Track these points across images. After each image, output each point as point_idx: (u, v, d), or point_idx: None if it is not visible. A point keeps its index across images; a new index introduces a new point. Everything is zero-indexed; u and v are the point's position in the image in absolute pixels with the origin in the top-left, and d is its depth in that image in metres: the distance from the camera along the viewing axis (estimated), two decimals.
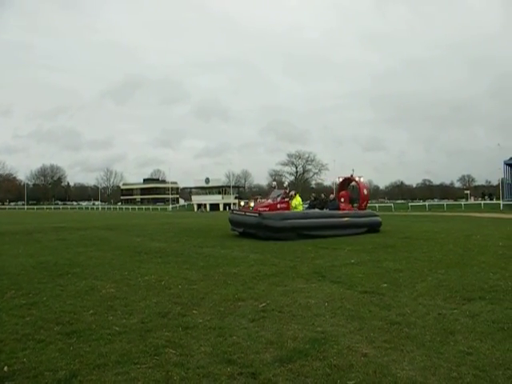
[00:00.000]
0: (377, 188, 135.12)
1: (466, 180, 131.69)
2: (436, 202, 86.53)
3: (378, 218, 18.46)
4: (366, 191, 18.95)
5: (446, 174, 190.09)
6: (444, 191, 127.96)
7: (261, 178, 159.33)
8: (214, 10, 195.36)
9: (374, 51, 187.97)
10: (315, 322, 5.17)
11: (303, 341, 4.49)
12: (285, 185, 18.26)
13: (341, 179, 20.37)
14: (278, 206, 16.18)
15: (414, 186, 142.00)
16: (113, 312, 5.66)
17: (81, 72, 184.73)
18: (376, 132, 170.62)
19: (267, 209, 15.95)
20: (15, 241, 15.49)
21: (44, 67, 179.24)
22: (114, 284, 7.46)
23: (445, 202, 67.06)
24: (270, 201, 16.86)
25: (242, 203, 22.49)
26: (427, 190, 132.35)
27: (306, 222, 15.59)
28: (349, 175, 19.60)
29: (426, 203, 66.84)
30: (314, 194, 20.16)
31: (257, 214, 15.49)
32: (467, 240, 14.28)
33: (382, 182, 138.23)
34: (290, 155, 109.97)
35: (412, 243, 13.41)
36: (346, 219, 16.76)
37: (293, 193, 17.35)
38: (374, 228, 17.67)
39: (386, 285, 7.17)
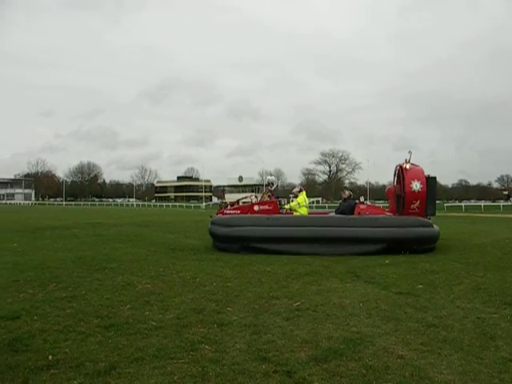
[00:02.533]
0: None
1: (505, 180, 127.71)
2: (473, 202, 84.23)
3: (426, 230, 11.17)
4: (417, 185, 11.30)
5: (482, 174, 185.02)
6: (481, 192, 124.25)
7: (294, 177, 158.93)
8: (246, 13, 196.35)
9: (404, 50, 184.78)
10: (350, 321, 5.14)
11: (338, 341, 4.47)
12: (269, 179, 14.59)
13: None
14: (256, 208, 12.26)
15: (450, 186, 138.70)
16: (149, 307, 5.78)
17: (119, 74, 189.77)
18: (406, 131, 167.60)
19: (239, 211, 12.40)
20: (55, 236, 15.96)
21: (84, 70, 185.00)
22: (150, 280, 7.61)
23: (482, 203, 65.06)
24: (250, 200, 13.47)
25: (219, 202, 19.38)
26: (463, 191, 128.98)
27: (259, 231, 11.10)
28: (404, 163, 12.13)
29: (463, 204, 65.05)
30: (348, 191, 13.04)
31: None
32: (506, 243, 13.85)
33: None
34: (323, 154, 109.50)
35: (448, 245, 13.09)
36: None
37: (296, 190, 12.77)
38: (412, 245, 10.86)
39: (421, 286, 7.06)
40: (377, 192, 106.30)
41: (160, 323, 5.07)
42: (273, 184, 14.40)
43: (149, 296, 6.40)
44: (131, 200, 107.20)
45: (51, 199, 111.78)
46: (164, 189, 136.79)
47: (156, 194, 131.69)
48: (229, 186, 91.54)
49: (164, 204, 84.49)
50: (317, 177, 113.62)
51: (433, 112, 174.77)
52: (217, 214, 12.75)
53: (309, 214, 12.80)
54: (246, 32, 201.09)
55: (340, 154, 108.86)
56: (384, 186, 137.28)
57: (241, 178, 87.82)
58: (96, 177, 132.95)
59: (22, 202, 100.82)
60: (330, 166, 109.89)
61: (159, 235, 16.62)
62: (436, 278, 7.78)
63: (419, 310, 5.65)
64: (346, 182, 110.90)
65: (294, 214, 12.09)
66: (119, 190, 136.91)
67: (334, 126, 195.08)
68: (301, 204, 12.12)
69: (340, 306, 5.82)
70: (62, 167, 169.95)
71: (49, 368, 3.83)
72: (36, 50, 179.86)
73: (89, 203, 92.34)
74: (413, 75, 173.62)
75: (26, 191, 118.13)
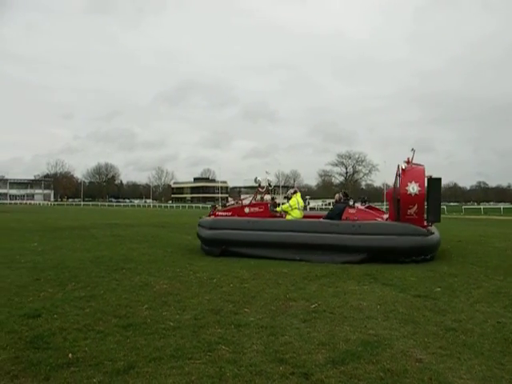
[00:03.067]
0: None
1: None
2: (492, 205, 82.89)
3: (417, 239, 9.82)
4: (414, 188, 9.78)
5: (501, 176, 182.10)
6: (500, 194, 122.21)
7: (310, 179, 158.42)
8: (262, 15, 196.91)
9: (420, 50, 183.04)
10: (367, 324, 5.12)
11: (355, 343, 4.45)
12: (259, 180, 12.96)
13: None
14: (247, 210, 11.80)
15: (468, 188, 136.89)
16: (166, 307, 5.83)
17: (137, 76, 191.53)
18: (423, 132, 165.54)
19: (229, 213, 12.00)
20: (73, 236, 16.19)
21: (103, 73, 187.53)
22: (167, 280, 7.66)
23: (501, 206, 63.97)
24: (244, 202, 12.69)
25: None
26: (482, 193, 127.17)
27: (237, 235, 10.87)
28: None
29: (481, 206, 64.10)
30: (338, 194, 12.33)
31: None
32: None
33: None
34: (340, 155, 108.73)
35: (466, 247, 12.93)
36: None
37: (291, 192, 12.20)
38: (399, 255, 9.74)
39: (439, 289, 6.98)
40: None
41: (177, 323, 5.11)
42: (267, 185, 13.11)
43: (166, 296, 6.45)
44: (148, 201, 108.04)
45: (69, 200, 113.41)
46: (180, 190, 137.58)
47: (172, 195, 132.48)
48: (245, 188, 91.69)
49: (180, 205, 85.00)
50: (333, 178, 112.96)
51: (450, 113, 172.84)
52: (209, 215, 12.42)
53: (303, 216, 11.91)
54: (262, 34, 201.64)
55: (357, 156, 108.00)
56: None
57: (257, 180, 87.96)
58: (113, 178, 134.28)
59: (41, 202, 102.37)
60: (346, 168, 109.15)
61: (176, 236, 16.73)
62: (455, 281, 7.68)
63: (438, 313, 5.60)
64: (363, 183, 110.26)
65: (287, 216, 11.56)
66: (136, 191, 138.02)
67: (350, 127, 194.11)
68: (293, 206, 11.46)
69: (357, 309, 5.80)
70: (81, 168, 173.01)
71: (69, 366, 3.90)
72: (57, 54, 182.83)
73: (106, 204, 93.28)
74: (429, 75, 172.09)
75: (46, 192, 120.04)
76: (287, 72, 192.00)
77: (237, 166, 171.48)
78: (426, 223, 10.31)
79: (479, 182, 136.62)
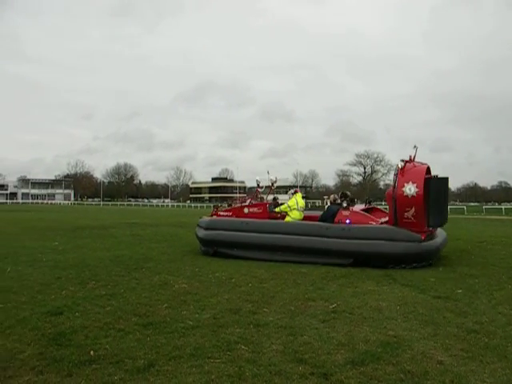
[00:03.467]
0: (448, 190, 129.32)
1: None
2: None
3: (408, 245, 9.09)
4: (411, 189, 9.13)
5: None
6: None
7: (328, 179, 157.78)
8: (279, 15, 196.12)
9: (439, 49, 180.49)
10: (387, 325, 5.09)
11: (375, 344, 4.43)
12: (258, 180, 12.67)
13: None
14: (246, 210, 11.53)
15: (489, 188, 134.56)
16: (186, 306, 5.88)
17: (156, 78, 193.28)
18: (442, 132, 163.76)
19: (230, 214, 11.79)
20: (93, 235, 16.41)
21: (121, 73, 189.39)
22: (186, 280, 7.72)
23: None
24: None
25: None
26: (503, 193, 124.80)
27: (229, 236, 10.75)
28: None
29: (503, 206, 62.90)
30: (334, 195, 11.54)
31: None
32: None
33: (453, 184, 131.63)
34: (358, 155, 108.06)
35: (487, 248, 12.75)
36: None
37: (291, 192, 11.70)
38: (388, 262, 9.10)
39: (460, 291, 6.89)
40: None
41: (197, 322, 5.15)
42: (270, 184, 12.81)
43: (185, 295, 6.50)
44: (166, 201, 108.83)
45: (89, 199, 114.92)
46: (199, 190, 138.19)
47: (191, 195, 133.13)
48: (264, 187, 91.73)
49: (199, 205, 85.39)
50: (351, 178, 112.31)
51: (469, 111, 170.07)
52: (211, 215, 12.26)
53: (303, 217, 11.35)
54: (278, 34, 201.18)
55: (375, 156, 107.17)
56: None
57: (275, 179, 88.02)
58: (132, 178, 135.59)
59: (61, 201, 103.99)
60: (364, 168, 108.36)
61: (194, 236, 16.77)
62: (476, 282, 7.57)
63: (459, 315, 5.53)
64: (381, 183, 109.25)
65: (286, 217, 11.14)
66: (155, 191, 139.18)
67: (368, 127, 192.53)
68: (292, 207, 11.04)
69: (377, 309, 5.76)
70: (100, 168, 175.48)
71: (91, 363, 3.96)
72: (78, 56, 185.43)
73: (125, 203, 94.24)
74: (447, 74, 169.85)
75: (66, 191, 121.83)
76: (304, 72, 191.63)
77: (254, 165, 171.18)
78: (427, 228, 9.50)
79: (500, 182, 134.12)
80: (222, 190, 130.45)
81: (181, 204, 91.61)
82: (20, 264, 9.32)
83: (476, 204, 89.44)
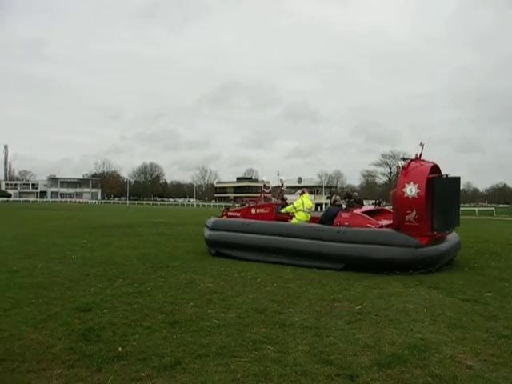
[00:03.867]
0: (476, 191, 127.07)
1: None
2: None
3: (402, 250, 8.47)
4: (412, 189, 8.57)
5: None
6: None
7: (353, 179, 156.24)
8: (302, 15, 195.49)
9: (465, 48, 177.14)
10: (414, 327, 5.02)
11: (402, 346, 4.39)
12: (264, 180, 12.68)
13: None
14: (253, 211, 11.39)
15: None
16: (212, 305, 5.93)
17: (181, 79, 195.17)
18: (470, 132, 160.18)
19: (239, 214, 11.73)
20: (120, 233, 16.67)
21: (148, 74, 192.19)
22: (212, 279, 7.78)
23: None
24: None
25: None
26: None
27: (229, 237, 10.71)
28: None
29: None
30: (335, 196, 11.24)
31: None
32: None
33: (482, 185, 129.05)
34: (384, 155, 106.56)
35: None
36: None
37: (298, 192, 11.50)
38: (381, 267, 8.51)
39: (490, 294, 6.74)
40: None
41: (222, 321, 5.19)
42: (280, 185, 12.48)
43: (211, 294, 6.55)
44: (191, 200, 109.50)
45: (116, 198, 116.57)
46: (223, 189, 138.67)
47: (216, 195, 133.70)
48: (287, 188, 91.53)
49: (224, 204, 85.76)
50: (377, 178, 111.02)
51: (499, 111, 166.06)
52: (221, 216, 12.22)
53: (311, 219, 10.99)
54: (303, 33, 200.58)
55: (401, 156, 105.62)
56: None
57: (300, 180, 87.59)
58: (158, 177, 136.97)
59: (89, 200, 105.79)
60: (390, 168, 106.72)
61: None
62: (506, 286, 7.40)
63: (488, 318, 5.41)
64: None
65: (293, 219, 10.83)
66: (180, 190, 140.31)
67: (393, 126, 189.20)
68: (297, 208, 10.76)
69: (403, 311, 5.69)
70: (127, 168, 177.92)
71: (119, 359, 4.04)
72: (107, 57, 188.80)
73: (151, 203, 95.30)
74: (474, 74, 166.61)
75: (93, 190, 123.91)
76: (328, 71, 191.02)
77: (279, 165, 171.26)
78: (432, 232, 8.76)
79: None
80: (246, 189, 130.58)
81: (206, 203, 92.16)
82: (50, 261, 9.55)
83: (505, 206, 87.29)
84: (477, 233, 18.81)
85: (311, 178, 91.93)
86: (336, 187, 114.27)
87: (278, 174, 12.60)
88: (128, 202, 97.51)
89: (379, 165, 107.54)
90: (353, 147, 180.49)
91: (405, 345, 4.43)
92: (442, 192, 8.79)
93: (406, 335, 4.74)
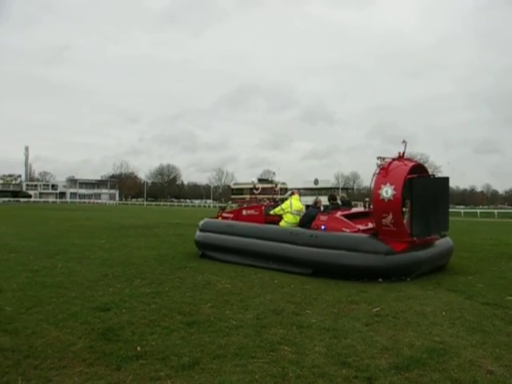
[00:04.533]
0: (495, 193, 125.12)
1: None
2: None
3: (369, 257, 7.94)
4: (388, 191, 8.01)
5: None
6: None
7: (370, 180, 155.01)
8: (319, 16, 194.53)
9: (481, 48, 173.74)
10: (432, 330, 4.98)
11: (420, 349, 4.35)
12: (254, 181, 12.32)
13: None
14: (244, 212, 11.27)
15: None
16: (229, 306, 5.96)
17: (199, 81, 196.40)
18: (488, 133, 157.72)
19: (231, 216, 11.56)
20: (138, 234, 16.82)
21: (167, 77, 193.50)
22: (229, 280, 7.81)
23: None
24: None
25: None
26: None
27: (213, 239, 10.67)
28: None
29: None
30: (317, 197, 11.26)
31: None
32: None
33: (501, 187, 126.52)
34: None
35: None
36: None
37: (288, 194, 11.29)
38: (346, 273, 8.01)
39: (510, 297, 6.63)
40: (457, 196, 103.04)
41: (240, 322, 5.21)
42: (274, 185, 12.08)
43: (228, 295, 6.58)
44: (208, 201, 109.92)
45: (133, 199, 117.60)
46: (240, 191, 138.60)
47: (232, 196, 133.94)
48: (304, 189, 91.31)
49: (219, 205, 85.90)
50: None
51: None
52: (216, 217, 12.08)
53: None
54: (320, 36, 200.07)
55: (419, 157, 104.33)
56: (465, 191, 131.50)
57: (316, 181, 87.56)
58: (175, 178, 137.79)
59: (107, 201, 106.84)
60: None
61: None
62: None
63: (510, 323, 5.33)
64: None
65: (281, 221, 10.39)
66: (197, 192, 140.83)
67: (410, 128, 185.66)
68: (285, 210, 10.34)
69: (421, 314, 5.64)
70: (144, 169, 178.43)
71: (138, 358, 4.09)
72: (125, 60, 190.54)
73: (168, 204, 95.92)
74: (491, 74, 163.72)
75: (111, 191, 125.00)
76: (345, 72, 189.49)
77: (296, 167, 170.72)
78: (412, 237, 8.11)
79: None
80: (263, 191, 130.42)
81: (223, 205, 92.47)
82: (70, 261, 9.69)
83: None
84: (497, 235, 18.55)
85: (328, 179, 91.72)
86: (353, 189, 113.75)
87: (274, 174, 12.38)
88: (145, 202, 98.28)
89: None
90: (370, 148, 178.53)
91: (423, 348, 4.39)
92: (423, 194, 8.21)
93: (424, 338, 4.70)
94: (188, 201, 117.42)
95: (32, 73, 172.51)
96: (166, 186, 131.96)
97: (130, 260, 9.97)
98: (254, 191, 12.37)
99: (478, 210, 59.30)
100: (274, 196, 12.43)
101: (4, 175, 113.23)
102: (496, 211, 56.11)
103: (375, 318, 5.42)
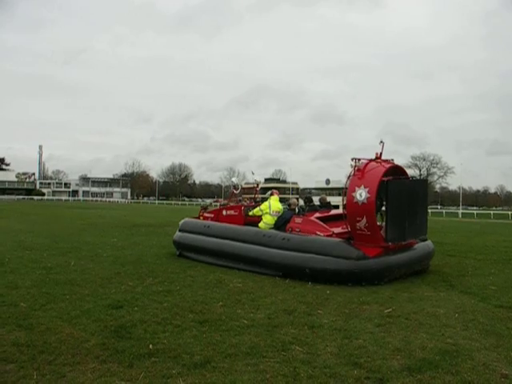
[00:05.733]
0: (509, 194, 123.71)
1: None
2: None
3: (338, 262, 7.64)
4: (362, 194, 7.79)
5: None
6: None
7: None
8: (330, 17, 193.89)
9: (493, 50, 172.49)
10: (445, 332, 4.94)
11: (433, 351, 4.32)
12: (233, 181, 12.63)
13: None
14: (224, 212, 11.03)
15: None
16: (241, 305, 5.97)
17: (211, 82, 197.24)
18: (500, 135, 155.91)
19: (212, 216, 11.34)
20: (149, 233, 16.93)
21: (180, 78, 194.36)
22: (241, 279, 7.83)
23: None
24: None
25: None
26: None
27: (189, 240, 10.59)
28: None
29: None
30: (293, 199, 11.04)
31: None
32: None
33: None
34: (413, 157, 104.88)
35: None
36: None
37: (269, 193, 11.06)
38: (316, 277, 7.74)
39: None
40: (469, 197, 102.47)
41: (252, 322, 5.22)
42: (255, 185, 12.16)
43: (240, 295, 6.60)
44: (220, 200, 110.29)
45: (145, 198, 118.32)
46: (251, 190, 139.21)
47: (243, 195, 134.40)
48: (315, 189, 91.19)
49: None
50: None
51: None
52: (198, 217, 11.90)
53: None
54: (330, 37, 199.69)
55: (431, 158, 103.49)
56: (478, 191, 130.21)
57: (328, 181, 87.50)
58: (187, 177, 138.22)
59: (119, 200, 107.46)
60: (420, 170, 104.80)
61: None
62: None
63: None
64: (437, 186, 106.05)
65: (260, 223, 10.04)
66: (208, 191, 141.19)
67: (421, 129, 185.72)
68: (264, 211, 9.97)
69: (434, 316, 5.61)
70: (156, 168, 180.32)
71: (150, 356, 4.11)
72: (140, 62, 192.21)
73: (179, 203, 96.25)
74: (503, 76, 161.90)
75: (123, 190, 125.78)
76: (355, 73, 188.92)
77: (307, 167, 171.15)
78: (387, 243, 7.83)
79: None
80: (245, 190, 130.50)
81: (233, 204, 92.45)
82: (82, 258, 9.78)
83: None
84: (511, 237, 18.34)
85: (339, 179, 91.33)
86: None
87: (253, 174, 12.42)
88: (157, 201, 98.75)
89: (409, 167, 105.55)
90: (380, 149, 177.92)
91: (436, 350, 4.36)
92: (399, 197, 7.93)
93: (436, 340, 4.67)
94: (199, 200, 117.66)
95: (46, 73, 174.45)
96: (178, 185, 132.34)
97: (142, 258, 10.03)
98: (234, 191, 12.29)
99: (492, 212, 58.61)
100: (256, 196, 12.26)
101: (18, 173, 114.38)
102: (510, 213, 55.42)
103: (387, 319, 5.39)
